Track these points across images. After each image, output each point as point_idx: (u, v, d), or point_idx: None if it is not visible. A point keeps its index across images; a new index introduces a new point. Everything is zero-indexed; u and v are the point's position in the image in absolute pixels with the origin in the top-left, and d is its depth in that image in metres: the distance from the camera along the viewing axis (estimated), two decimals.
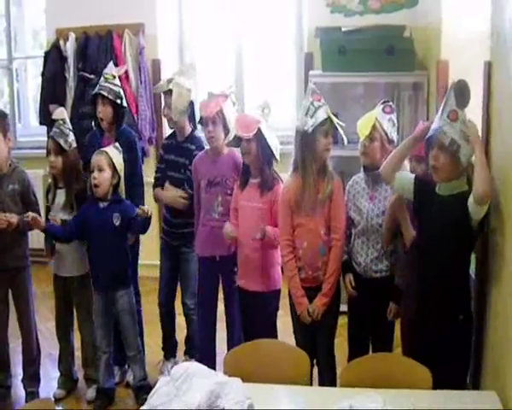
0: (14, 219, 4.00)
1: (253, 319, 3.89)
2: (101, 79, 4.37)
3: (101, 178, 3.99)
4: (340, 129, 3.59)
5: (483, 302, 3.15)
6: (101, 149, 4.06)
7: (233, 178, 4.03)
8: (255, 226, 3.70)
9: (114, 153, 4.05)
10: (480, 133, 3.05)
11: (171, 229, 4.48)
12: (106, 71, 4.41)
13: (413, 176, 3.24)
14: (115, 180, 4.05)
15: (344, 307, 3.80)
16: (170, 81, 4.30)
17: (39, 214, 4.17)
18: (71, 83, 6.29)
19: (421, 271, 3.14)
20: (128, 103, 5.86)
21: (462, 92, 2.94)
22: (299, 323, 3.66)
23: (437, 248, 3.03)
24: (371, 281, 3.61)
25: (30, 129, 7.40)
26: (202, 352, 4.28)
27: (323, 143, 3.52)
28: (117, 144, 4.11)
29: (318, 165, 3.56)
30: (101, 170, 3.98)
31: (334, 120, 3.54)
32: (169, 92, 4.28)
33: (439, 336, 3.04)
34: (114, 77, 4.39)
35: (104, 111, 4.31)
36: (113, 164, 4.01)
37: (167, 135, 4.77)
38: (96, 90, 4.35)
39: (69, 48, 6.27)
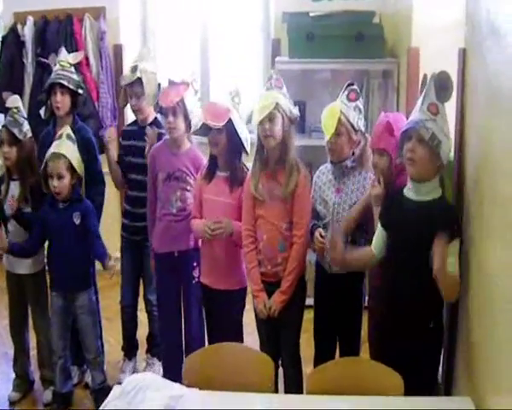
0: None
1: (218, 317, 3.74)
2: (57, 66, 4.16)
3: (62, 185, 3.78)
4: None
5: (454, 308, 3.00)
6: (58, 150, 3.78)
7: (192, 174, 3.86)
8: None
9: (71, 150, 3.83)
10: (452, 126, 2.91)
11: (132, 222, 4.30)
12: (61, 58, 4.20)
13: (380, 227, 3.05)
14: (74, 180, 3.84)
15: (311, 301, 3.66)
16: (135, 69, 4.12)
17: None
18: (29, 69, 6.04)
19: (390, 275, 2.98)
20: (89, 91, 5.74)
21: (443, 85, 2.76)
22: (261, 320, 3.52)
23: (407, 255, 2.84)
24: (337, 277, 3.45)
25: None
26: (167, 359, 4.14)
27: (260, 130, 3.35)
28: (69, 131, 3.88)
29: (271, 154, 3.41)
30: (60, 177, 3.76)
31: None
32: (136, 82, 4.10)
33: (408, 343, 2.87)
34: (71, 65, 4.20)
35: (62, 101, 4.10)
36: (72, 166, 3.80)
37: (128, 123, 4.56)
38: (52, 78, 4.13)
39: (27, 32, 6.01)
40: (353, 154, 3.43)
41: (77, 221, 3.82)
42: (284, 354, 3.57)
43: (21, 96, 5.89)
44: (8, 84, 5.99)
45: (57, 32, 5.95)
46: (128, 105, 4.29)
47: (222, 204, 3.60)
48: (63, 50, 4.34)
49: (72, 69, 4.20)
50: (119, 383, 4.23)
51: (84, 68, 5.77)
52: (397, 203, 2.94)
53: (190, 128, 3.83)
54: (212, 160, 3.66)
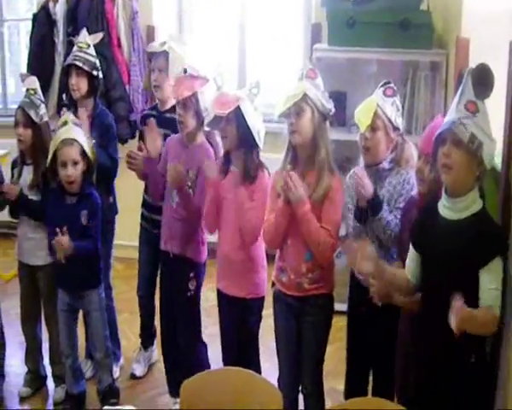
0: None
1: (232, 328, 3.50)
2: (75, 47, 4.05)
3: (77, 173, 3.57)
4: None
5: (499, 339, 2.59)
6: (68, 136, 3.58)
7: (196, 170, 3.60)
8: (234, 220, 3.32)
9: (81, 135, 3.63)
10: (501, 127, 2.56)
11: (150, 214, 4.11)
12: (79, 39, 4.08)
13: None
14: (85, 167, 3.64)
15: (340, 307, 3.41)
16: (163, 44, 3.99)
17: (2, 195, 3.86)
18: (60, 48, 5.90)
19: (424, 301, 2.61)
20: (120, 73, 5.65)
21: (482, 79, 2.38)
22: (281, 336, 3.29)
23: (442, 279, 2.45)
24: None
25: (22, 96, 6.97)
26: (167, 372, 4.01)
27: (289, 123, 3.08)
28: (72, 117, 3.69)
29: (300, 152, 3.13)
30: (75, 163, 3.56)
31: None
32: (161, 55, 3.96)
33: (446, 380, 2.49)
34: (89, 46, 4.06)
35: (78, 83, 3.97)
36: (84, 151, 3.60)
37: (149, 107, 4.38)
38: (69, 60, 4.02)
39: (58, 10, 5.86)
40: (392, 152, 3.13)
41: (84, 221, 3.60)
42: (305, 380, 3.30)
43: (52, 75, 5.82)
44: (40, 63, 5.89)
45: (89, 10, 5.77)
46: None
47: (234, 201, 3.34)
48: (84, 31, 4.21)
49: (90, 50, 4.06)
50: (133, 374, 4.27)
51: (116, 50, 5.65)
52: (430, 221, 2.58)
53: (202, 124, 3.62)
54: (226, 154, 3.43)
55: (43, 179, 3.80)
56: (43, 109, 3.88)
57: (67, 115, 3.69)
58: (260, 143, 3.31)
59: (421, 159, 2.86)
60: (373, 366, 3.33)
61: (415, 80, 4.82)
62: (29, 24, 6.40)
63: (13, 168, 3.97)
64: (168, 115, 3.96)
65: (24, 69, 6.82)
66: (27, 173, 3.86)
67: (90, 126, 3.97)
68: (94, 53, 4.05)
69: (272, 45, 6.05)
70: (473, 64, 2.59)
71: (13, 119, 6.43)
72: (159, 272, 4.06)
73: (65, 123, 3.62)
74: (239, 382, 2.60)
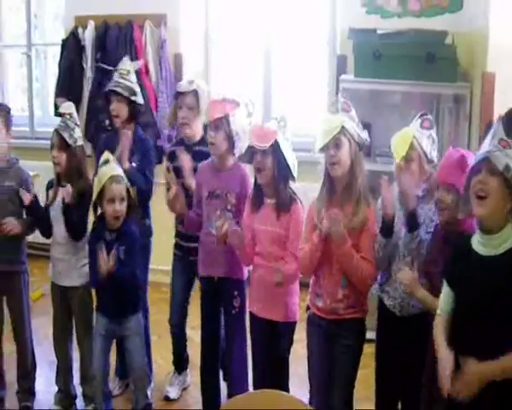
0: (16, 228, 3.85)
1: (263, 351, 3.55)
2: (116, 74, 4.12)
3: (123, 209, 3.63)
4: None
5: None
6: (116, 173, 3.63)
7: (235, 193, 3.66)
8: (271, 252, 3.38)
9: (122, 175, 3.70)
10: None
11: (184, 242, 4.16)
12: (120, 66, 4.16)
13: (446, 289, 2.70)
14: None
15: (371, 335, 3.42)
16: (192, 82, 4.05)
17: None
18: (88, 74, 6.02)
19: (457, 341, 2.55)
20: (147, 100, 5.62)
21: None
22: (316, 360, 3.33)
23: (480, 318, 2.45)
24: (408, 320, 3.21)
25: (49, 119, 7.08)
26: (204, 385, 3.99)
27: (326, 156, 3.15)
28: (111, 156, 3.72)
29: (338, 182, 3.19)
30: (123, 199, 3.62)
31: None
32: (190, 93, 4.01)
33: None
34: (129, 72, 4.14)
35: (119, 109, 4.06)
36: (128, 190, 3.67)
37: (172, 143, 4.41)
38: (110, 86, 4.09)
39: (87, 37, 6.00)
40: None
41: (122, 256, 3.63)
42: (336, 403, 3.30)
43: (80, 100, 5.93)
44: (68, 88, 6.01)
45: (117, 37, 5.92)
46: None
47: (269, 233, 3.41)
48: (126, 59, 4.30)
49: (131, 77, 4.15)
50: (167, 397, 4.31)
51: (144, 77, 5.72)
52: (463, 256, 2.59)
53: (234, 148, 3.65)
54: (259, 187, 3.47)
55: (78, 200, 3.85)
56: (77, 133, 3.93)
57: (108, 154, 3.71)
58: (295, 175, 3.39)
59: (441, 188, 2.94)
60: (401, 395, 3.36)
61: (438, 112, 4.89)
62: (56, 49, 6.54)
63: (48, 189, 4.03)
64: (197, 148, 4.04)
65: (51, 94, 6.97)
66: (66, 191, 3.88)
67: (131, 151, 4.05)
68: (134, 79, 4.14)
69: (297, 75, 6.10)
70: (499, 99, 2.68)
71: (40, 141, 6.69)
72: (190, 297, 4.17)
73: (107, 161, 3.66)
74: (277, 404, 2.59)
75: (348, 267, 3.14)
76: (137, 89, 4.15)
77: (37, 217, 3.96)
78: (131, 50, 5.74)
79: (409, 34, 4.86)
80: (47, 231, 4.00)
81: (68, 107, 4.02)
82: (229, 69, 6.09)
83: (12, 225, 3.87)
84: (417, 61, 4.70)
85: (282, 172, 3.35)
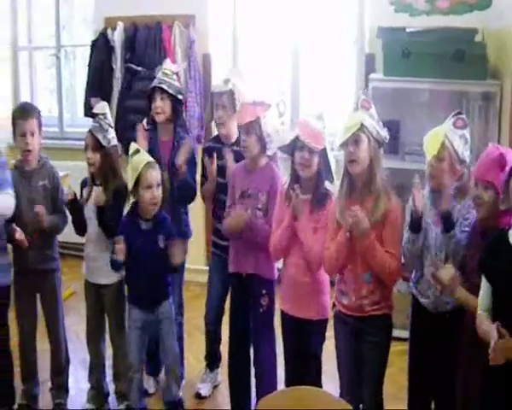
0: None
1: (295, 349, 3.57)
2: (160, 73, 4.18)
3: (160, 195, 3.69)
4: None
5: None
6: (151, 159, 3.71)
7: (267, 192, 3.70)
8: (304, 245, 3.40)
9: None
10: None
11: (222, 241, 4.17)
12: (165, 66, 4.24)
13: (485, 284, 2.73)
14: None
15: (399, 333, 3.47)
16: (227, 81, 4.06)
17: (65, 215, 4.04)
18: (117, 74, 6.06)
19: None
20: None
21: None
22: (344, 357, 3.36)
23: None
24: (442, 317, 3.22)
25: (77, 120, 7.18)
26: (233, 382, 4.05)
27: (346, 152, 3.18)
28: (138, 147, 3.79)
29: (358, 179, 3.22)
30: (159, 185, 3.67)
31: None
32: (226, 93, 4.04)
33: None
34: (173, 73, 4.22)
35: (163, 106, 4.10)
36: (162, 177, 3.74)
37: (210, 138, 4.43)
38: (154, 83, 4.14)
39: (117, 38, 6.04)
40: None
41: (162, 244, 3.69)
42: (366, 399, 3.35)
43: (109, 101, 5.95)
44: (98, 88, 6.05)
45: (146, 38, 5.96)
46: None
47: (303, 227, 3.41)
48: (167, 60, 4.40)
49: (175, 77, 4.22)
50: (198, 394, 4.34)
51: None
52: (500, 250, 2.63)
53: (266, 149, 3.70)
54: (295, 180, 3.47)
55: (112, 199, 3.89)
56: (111, 133, 3.97)
57: (136, 145, 3.78)
58: (334, 176, 3.43)
59: (478, 185, 2.95)
60: (434, 394, 3.37)
61: (468, 110, 4.84)
62: (84, 50, 6.61)
63: (82, 188, 4.07)
64: (234, 148, 4.07)
65: (79, 94, 7.05)
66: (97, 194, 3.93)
67: (172, 150, 4.11)
68: (177, 80, 4.21)
69: (324, 74, 6.10)
70: None
71: (68, 142, 6.75)
72: (226, 296, 4.18)
73: (137, 151, 3.71)
74: (314, 401, 2.64)
75: (373, 261, 3.16)
76: (181, 89, 4.22)
77: (78, 213, 3.99)
78: (160, 51, 5.78)
79: (438, 32, 4.85)
80: (81, 229, 4.05)
81: (102, 107, 4.06)
82: (257, 69, 6.08)
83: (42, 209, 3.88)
84: (446, 59, 4.68)
85: (325, 172, 3.40)
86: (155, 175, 3.66)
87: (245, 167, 3.83)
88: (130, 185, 3.67)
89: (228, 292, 4.21)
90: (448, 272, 2.94)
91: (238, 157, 3.97)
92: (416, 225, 3.15)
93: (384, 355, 3.33)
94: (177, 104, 4.18)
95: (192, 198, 4.25)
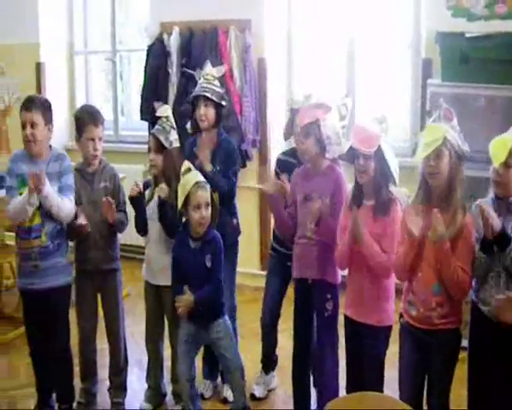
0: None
1: (359, 354, 3.54)
2: (202, 79, 4.18)
3: (209, 215, 3.68)
4: None
5: None
6: (200, 179, 3.70)
7: (331, 195, 3.67)
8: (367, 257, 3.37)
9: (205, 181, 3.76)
10: None
11: (281, 248, 4.21)
12: (206, 71, 4.22)
13: None
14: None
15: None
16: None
17: (126, 215, 4.10)
18: (173, 79, 6.15)
19: None
20: (232, 104, 5.73)
21: None
22: (408, 368, 3.33)
23: None
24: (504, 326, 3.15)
25: (132, 123, 7.31)
26: (295, 384, 4.02)
27: (425, 166, 3.14)
28: (191, 165, 3.77)
29: (435, 191, 3.19)
30: (208, 205, 3.67)
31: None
32: None
33: None
34: (215, 78, 4.20)
35: (206, 113, 4.10)
36: (212, 196, 3.73)
37: (284, 151, 4.38)
38: (197, 91, 4.15)
39: (173, 43, 6.13)
40: None
41: (208, 264, 3.69)
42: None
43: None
44: (154, 93, 6.15)
45: (202, 43, 6.02)
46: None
47: (366, 234, 3.38)
48: (208, 64, 4.35)
49: (217, 82, 4.20)
50: (253, 395, 4.35)
51: (228, 81, 5.78)
52: None
53: (325, 152, 3.66)
54: (358, 188, 3.46)
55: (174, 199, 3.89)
56: (173, 135, 4.01)
57: (188, 163, 3.76)
58: (396, 178, 3.37)
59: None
60: (497, 407, 3.28)
61: None
62: (139, 54, 6.70)
63: (144, 190, 4.11)
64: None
65: (133, 98, 7.16)
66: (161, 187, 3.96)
67: (213, 154, 4.12)
68: (219, 84, 4.21)
69: (379, 77, 6.09)
70: None
71: (124, 145, 6.85)
72: (283, 300, 4.20)
73: (188, 169, 3.71)
74: (380, 407, 2.64)
75: (445, 272, 3.12)
76: (224, 94, 4.22)
77: (141, 210, 4.05)
78: (216, 55, 5.81)
79: (497, 37, 4.78)
80: (142, 228, 4.10)
81: (165, 110, 4.11)
82: (312, 73, 6.08)
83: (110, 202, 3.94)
84: (506, 65, 4.63)
85: (384, 176, 3.35)
86: (204, 195, 3.65)
87: (306, 171, 3.81)
88: (179, 204, 3.67)
89: (284, 296, 4.24)
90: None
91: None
92: (489, 246, 3.08)
93: (451, 370, 3.28)
94: (221, 109, 4.19)
95: (225, 200, 4.07)
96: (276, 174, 4.15)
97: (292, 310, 3.99)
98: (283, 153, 4.33)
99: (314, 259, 3.70)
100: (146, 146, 4.16)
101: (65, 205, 3.82)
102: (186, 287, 3.62)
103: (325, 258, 3.66)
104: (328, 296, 3.71)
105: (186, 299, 3.62)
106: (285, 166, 4.13)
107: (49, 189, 3.74)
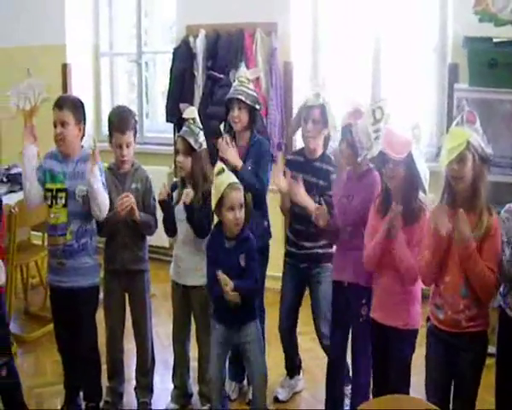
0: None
1: (385, 357, 3.55)
2: (236, 82, 4.22)
3: (243, 216, 3.67)
4: None
5: None
6: (234, 180, 3.68)
7: (368, 197, 3.67)
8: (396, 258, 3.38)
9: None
10: None
11: (295, 250, 4.23)
12: (240, 74, 4.26)
13: None
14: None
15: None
16: (318, 96, 4.04)
17: (155, 219, 4.12)
18: (199, 81, 6.17)
19: None
20: None
21: None
22: (435, 371, 3.33)
23: None
24: None
25: (157, 125, 7.35)
26: (328, 389, 4.04)
27: (448, 170, 3.13)
28: (224, 166, 3.77)
29: (460, 194, 3.18)
30: (242, 206, 3.65)
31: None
32: (317, 107, 4.02)
33: None
34: (249, 81, 4.23)
35: (240, 116, 4.15)
36: (245, 197, 3.71)
37: (293, 151, 4.44)
38: (231, 93, 4.18)
39: (199, 45, 6.15)
40: None
41: (242, 263, 3.68)
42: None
43: None
44: (179, 95, 6.17)
45: (228, 46, 6.03)
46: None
47: (398, 238, 3.38)
48: (242, 66, 4.39)
49: (250, 85, 4.23)
50: (276, 398, 4.37)
51: (254, 84, 5.72)
52: None
53: (357, 156, 3.66)
54: (387, 193, 3.46)
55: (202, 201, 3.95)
56: (201, 137, 4.03)
57: (221, 164, 3.75)
58: (426, 186, 3.35)
59: None
60: None
61: None
62: (165, 56, 6.74)
63: (172, 191, 4.14)
64: (318, 164, 4.10)
65: (159, 99, 7.20)
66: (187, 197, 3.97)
67: (246, 155, 4.17)
68: (253, 87, 4.23)
69: (405, 82, 6.06)
70: None
71: (149, 147, 6.89)
72: (300, 304, 4.24)
73: (222, 170, 3.68)
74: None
75: (472, 273, 3.12)
76: (258, 97, 4.24)
77: (169, 212, 4.07)
78: (242, 58, 5.79)
79: None
80: (171, 230, 4.13)
81: (191, 112, 4.12)
82: (338, 77, 6.09)
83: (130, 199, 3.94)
84: None
85: (413, 183, 3.34)
86: (238, 196, 3.63)
87: (348, 173, 3.85)
88: (213, 206, 3.67)
89: (302, 299, 4.26)
90: None
91: (321, 174, 4.05)
92: None
93: (479, 373, 3.27)
94: (254, 112, 4.21)
95: (257, 199, 3.99)
96: (284, 173, 4.16)
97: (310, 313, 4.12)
98: (293, 152, 4.41)
99: (351, 262, 3.71)
100: (170, 148, 4.21)
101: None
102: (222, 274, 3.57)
103: (361, 262, 3.62)
104: (363, 301, 3.70)
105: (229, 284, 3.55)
106: (292, 164, 4.18)
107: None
